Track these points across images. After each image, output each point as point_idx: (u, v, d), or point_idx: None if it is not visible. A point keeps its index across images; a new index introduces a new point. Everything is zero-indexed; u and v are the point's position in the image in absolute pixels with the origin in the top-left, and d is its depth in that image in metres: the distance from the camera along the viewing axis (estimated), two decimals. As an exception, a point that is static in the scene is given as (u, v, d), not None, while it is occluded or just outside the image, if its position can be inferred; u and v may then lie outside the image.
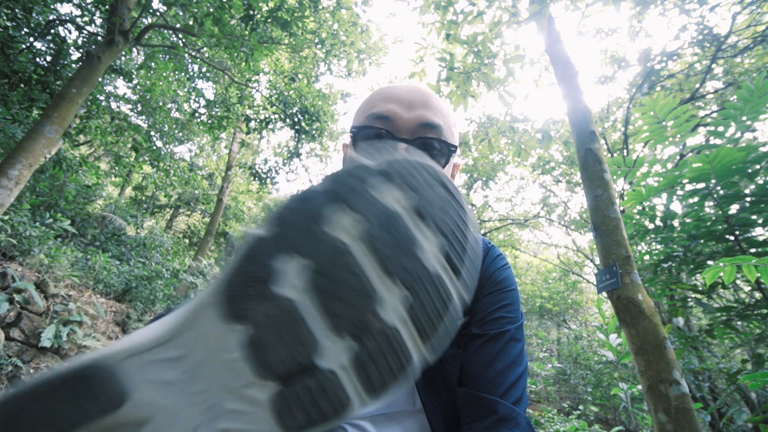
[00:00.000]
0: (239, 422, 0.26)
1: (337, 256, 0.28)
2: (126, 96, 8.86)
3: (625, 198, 2.77)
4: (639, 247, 3.12)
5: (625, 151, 6.42)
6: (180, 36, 6.70)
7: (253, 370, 0.26)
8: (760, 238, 2.30)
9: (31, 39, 5.64)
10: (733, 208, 2.31)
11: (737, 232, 2.28)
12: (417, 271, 0.29)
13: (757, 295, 2.49)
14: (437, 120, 0.67)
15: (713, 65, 5.48)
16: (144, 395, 0.26)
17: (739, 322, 2.54)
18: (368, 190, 0.30)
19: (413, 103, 0.67)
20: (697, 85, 5.74)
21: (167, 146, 9.56)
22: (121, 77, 7.47)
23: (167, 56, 7.52)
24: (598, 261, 4.90)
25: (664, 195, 2.62)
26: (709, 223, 2.42)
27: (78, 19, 6.09)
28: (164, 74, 8.04)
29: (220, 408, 0.26)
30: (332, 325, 0.27)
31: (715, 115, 5.67)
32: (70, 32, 7.27)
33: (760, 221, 2.22)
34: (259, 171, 8.85)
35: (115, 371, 0.26)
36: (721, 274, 1.82)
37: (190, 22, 5.53)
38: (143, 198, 13.43)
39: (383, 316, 0.27)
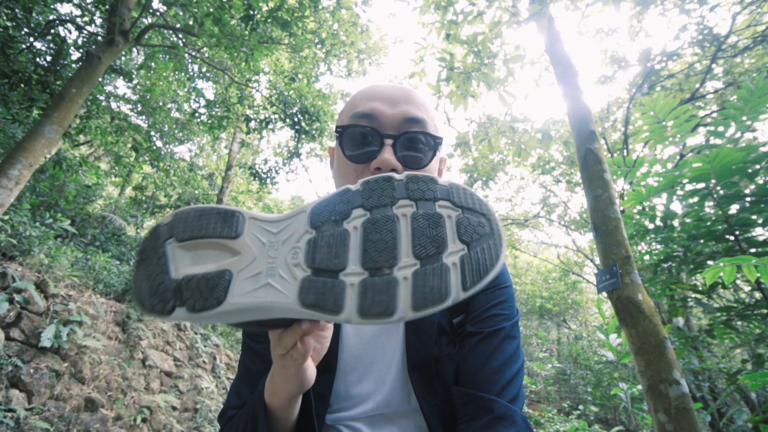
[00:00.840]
0: (279, 284, 0.40)
1: (388, 220, 0.41)
2: (126, 96, 8.85)
3: (625, 198, 2.77)
4: (639, 247, 3.11)
5: (625, 151, 6.42)
6: (180, 36, 6.70)
7: (304, 257, 0.40)
8: (760, 238, 2.30)
9: (31, 39, 5.63)
10: (733, 208, 2.31)
11: (737, 232, 2.28)
12: (432, 259, 0.39)
13: (757, 295, 2.49)
14: (421, 114, 0.67)
15: (713, 65, 5.48)
16: (247, 239, 0.43)
17: (739, 322, 2.54)
18: (431, 195, 0.43)
19: (396, 100, 0.68)
20: (697, 85, 5.74)
21: (167, 146, 9.55)
22: (121, 77, 7.46)
23: (167, 56, 7.52)
24: (598, 261, 4.90)
25: (664, 195, 2.62)
26: (709, 223, 2.42)
27: (78, 19, 6.09)
28: (164, 74, 8.04)
29: (275, 271, 0.41)
30: (362, 258, 0.40)
31: (715, 115, 5.67)
32: (70, 32, 7.27)
33: (760, 221, 2.22)
34: (259, 171, 8.84)
35: (244, 219, 0.44)
36: (721, 274, 1.82)
37: (190, 22, 5.53)
38: (143, 198, 13.43)
39: (394, 270, 0.39)
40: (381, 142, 0.65)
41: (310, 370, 0.55)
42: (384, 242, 0.40)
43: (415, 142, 0.66)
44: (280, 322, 0.46)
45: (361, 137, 0.66)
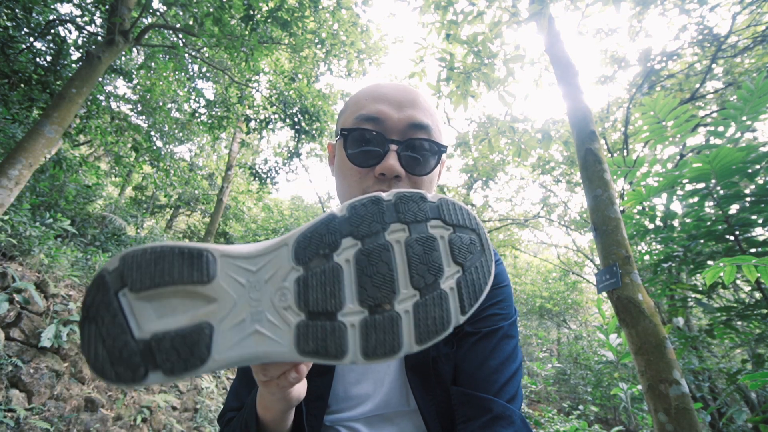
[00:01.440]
0: (270, 331, 0.36)
1: (382, 250, 0.39)
2: (126, 96, 8.85)
3: (625, 198, 2.77)
4: (639, 247, 3.11)
5: (625, 151, 6.42)
6: (180, 36, 6.70)
7: (294, 299, 0.37)
8: (760, 238, 2.30)
9: (31, 39, 5.63)
10: (733, 208, 2.31)
11: (737, 232, 2.28)
12: (430, 287, 0.38)
13: (757, 295, 2.49)
14: (426, 120, 0.67)
15: (713, 65, 5.48)
16: (222, 282, 0.36)
17: (739, 322, 2.54)
18: (422, 215, 0.41)
19: (402, 103, 0.67)
20: (697, 85, 5.74)
21: (167, 146, 9.55)
22: (121, 77, 7.46)
23: (167, 56, 7.51)
24: (598, 261, 4.90)
25: (664, 195, 2.62)
26: (709, 223, 2.42)
27: (78, 19, 6.08)
28: (164, 74, 8.03)
29: (262, 315, 0.36)
30: (359, 295, 0.37)
31: (715, 115, 5.67)
32: (70, 32, 7.27)
33: (760, 221, 2.21)
34: (259, 171, 8.84)
35: (215, 259, 0.37)
36: (721, 274, 1.82)
37: (190, 22, 5.53)
38: (143, 198, 13.42)
39: (394, 304, 0.37)
40: (386, 148, 0.64)
41: (299, 388, 0.54)
42: (381, 276, 0.38)
43: (419, 148, 0.66)
44: None
45: (366, 141, 0.65)
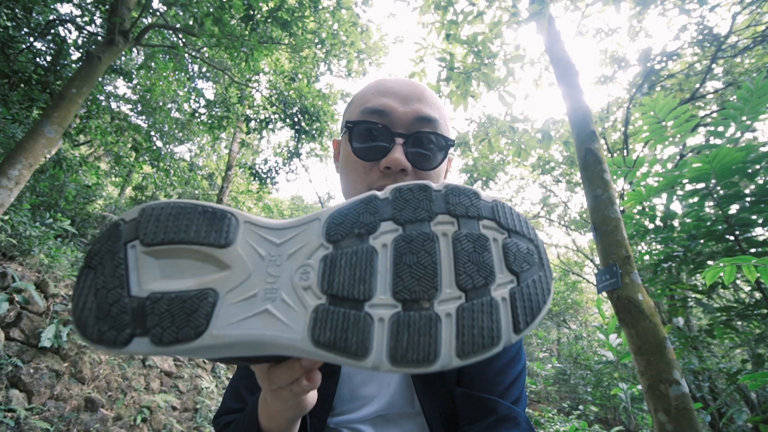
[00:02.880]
0: (282, 313, 0.31)
1: (426, 239, 0.34)
2: (126, 96, 8.86)
3: (625, 198, 2.77)
4: (639, 247, 3.11)
5: (625, 151, 6.42)
6: (180, 36, 6.70)
7: (317, 279, 0.32)
8: (760, 238, 2.30)
9: (31, 39, 5.63)
10: (733, 208, 2.31)
11: (737, 232, 2.28)
12: (479, 292, 0.32)
13: (757, 295, 2.49)
14: (433, 114, 0.66)
15: (713, 65, 5.48)
16: (240, 250, 0.33)
17: (739, 322, 2.54)
18: (474, 211, 0.36)
19: (408, 97, 0.66)
20: (697, 85, 5.74)
21: (167, 146, 9.55)
22: (121, 77, 7.46)
23: (167, 56, 7.51)
24: (598, 261, 4.90)
25: (664, 195, 2.62)
26: (709, 223, 2.42)
27: (78, 19, 6.08)
28: (164, 74, 8.03)
29: (277, 294, 0.32)
30: (393, 285, 0.32)
31: (715, 115, 5.67)
32: (70, 32, 7.27)
33: (760, 221, 2.21)
34: (259, 171, 8.83)
35: (237, 223, 0.34)
36: (721, 274, 1.82)
37: (190, 22, 5.53)
38: (143, 198, 13.42)
39: (434, 303, 0.31)
40: (392, 141, 0.63)
41: (312, 394, 0.50)
42: (422, 267, 0.33)
43: (426, 141, 0.65)
44: (271, 358, 0.37)
45: (372, 134, 0.64)
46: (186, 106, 9.42)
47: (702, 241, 2.48)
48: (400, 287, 0.32)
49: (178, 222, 0.33)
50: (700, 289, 2.72)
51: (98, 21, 6.10)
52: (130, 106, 8.89)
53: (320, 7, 6.16)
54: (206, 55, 7.83)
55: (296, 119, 7.78)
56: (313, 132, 7.84)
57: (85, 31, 5.98)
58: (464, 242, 0.34)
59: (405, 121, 0.64)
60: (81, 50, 6.16)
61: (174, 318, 0.30)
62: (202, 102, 8.08)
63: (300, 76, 8.12)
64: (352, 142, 0.65)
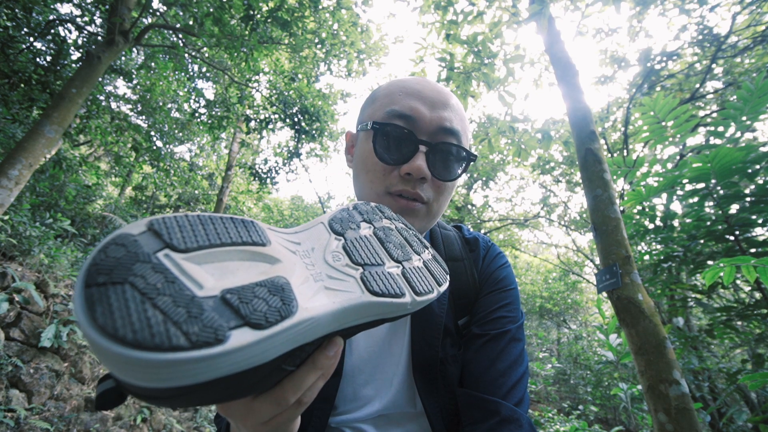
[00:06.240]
0: (337, 285, 0.40)
1: (389, 229, 0.52)
2: (126, 96, 8.85)
3: (625, 198, 2.77)
4: (639, 247, 3.11)
5: (625, 151, 6.42)
6: (180, 36, 6.70)
7: (349, 258, 0.43)
8: (760, 238, 2.30)
9: (31, 39, 5.63)
10: (733, 208, 2.31)
11: (737, 232, 2.28)
12: (407, 262, 0.49)
13: (757, 295, 2.49)
14: (457, 126, 0.67)
15: (713, 65, 5.48)
16: (277, 246, 0.38)
17: (739, 322, 2.55)
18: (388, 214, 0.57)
19: (435, 103, 0.66)
20: (697, 85, 5.74)
21: (167, 146, 9.53)
22: (121, 77, 7.46)
23: (167, 56, 7.51)
24: (598, 261, 4.90)
25: (664, 195, 2.62)
26: (709, 223, 2.42)
27: (78, 19, 6.09)
28: (164, 74, 8.03)
29: (322, 275, 0.40)
30: (387, 253, 0.47)
31: (715, 115, 5.67)
32: (70, 32, 7.27)
33: (760, 221, 2.22)
34: (259, 171, 8.83)
35: (263, 228, 0.39)
36: (721, 274, 1.82)
37: (190, 22, 5.53)
38: (143, 198, 13.42)
39: (413, 261, 0.50)
40: (415, 147, 0.64)
41: (296, 423, 0.47)
42: (396, 243, 0.50)
43: (448, 153, 0.66)
44: (265, 372, 0.34)
45: (396, 139, 0.65)
46: (186, 106, 9.42)
47: (702, 241, 2.48)
48: (393, 255, 0.47)
49: (209, 228, 0.34)
50: (700, 289, 2.72)
51: (98, 21, 6.10)
52: (130, 106, 8.89)
53: (320, 7, 6.16)
54: (206, 55, 7.83)
55: (296, 119, 7.78)
56: (313, 132, 7.84)
57: (85, 31, 5.98)
58: (402, 231, 0.54)
59: (430, 129, 0.65)
60: (81, 50, 6.16)
61: (267, 301, 0.31)
62: (202, 102, 8.08)
63: (300, 76, 8.13)
64: (376, 143, 0.66)
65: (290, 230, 0.44)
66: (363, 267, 0.43)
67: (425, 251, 0.53)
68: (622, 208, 3.34)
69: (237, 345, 0.27)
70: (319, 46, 7.18)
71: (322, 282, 0.39)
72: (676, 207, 2.71)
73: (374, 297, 0.40)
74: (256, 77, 8.20)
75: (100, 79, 6.03)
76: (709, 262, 2.44)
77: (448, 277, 0.53)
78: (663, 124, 2.59)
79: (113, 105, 8.24)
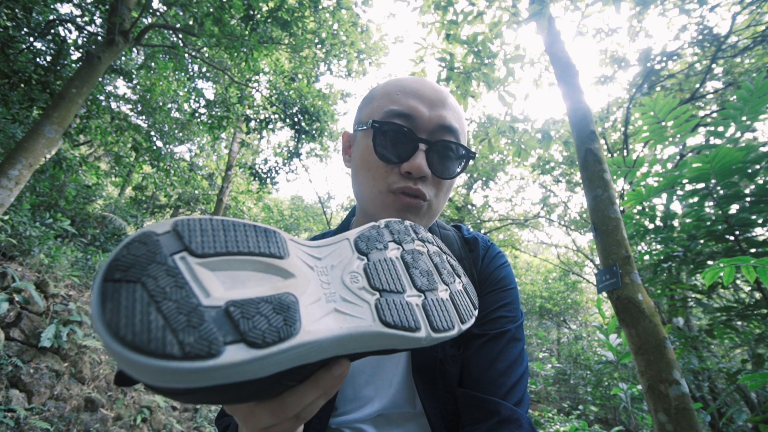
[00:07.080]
0: (348, 309, 0.38)
1: (418, 253, 0.49)
2: (126, 96, 8.85)
3: (625, 198, 2.77)
4: (639, 247, 3.11)
5: (625, 151, 6.42)
6: (180, 36, 6.70)
7: (367, 281, 0.41)
8: (760, 238, 2.30)
9: (31, 39, 5.63)
10: (733, 208, 2.31)
11: (737, 232, 2.28)
12: (431, 292, 0.46)
13: (757, 295, 2.49)
14: (455, 124, 0.67)
15: (713, 65, 5.48)
16: (295, 260, 0.37)
17: (739, 322, 2.54)
18: (419, 235, 0.54)
19: (434, 102, 0.67)
20: (697, 85, 5.74)
21: (167, 146, 9.53)
22: (121, 77, 7.46)
23: (167, 56, 7.51)
24: (598, 261, 4.90)
25: (664, 195, 2.62)
26: (709, 223, 2.42)
27: (78, 19, 6.09)
28: (164, 74, 8.03)
29: (336, 296, 0.38)
30: (410, 280, 0.44)
31: (715, 115, 5.67)
32: (70, 32, 7.26)
33: (760, 221, 2.22)
34: (259, 171, 8.83)
35: (285, 240, 0.38)
36: (721, 274, 1.82)
37: (190, 22, 5.53)
38: (143, 198, 13.42)
39: (438, 292, 0.46)
40: (415, 146, 0.64)
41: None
42: (425, 270, 0.47)
43: (448, 151, 0.67)
44: (295, 372, 0.35)
45: (396, 137, 0.65)
46: (186, 106, 9.42)
47: (702, 241, 2.48)
48: (417, 283, 0.44)
49: (230, 234, 0.34)
50: (700, 289, 2.72)
51: (98, 21, 6.10)
52: (130, 106, 8.89)
53: (320, 7, 6.16)
54: (206, 55, 7.83)
55: (296, 119, 7.78)
56: (313, 132, 7.84)
57: (85, 31, 5.98)
58: (434, 256, 0.51)
59: (429, 126, 0.66)
60: (81, 50, 6.16)
61: (269, 319, 0.30)
62: (202, 102, 8.08)
63: (300, 76, 8.13)
64: (376, 142, 0.66)
65: (314, 243, 0.43)
66: (380, 293, 0.40)
67: (456, 281, 0.50)
68: (622, 208, 3.34)
69: (229, 361, 0.27)
70: (319, 46, 7.18)
71: (334, 303, 0.37)
72: (676, 207, 2.70)
73: (385, 327, 0.37)
74: (256, 77, 8.20)
75: (100, 79, 6.03)
76: (709, 262, 2.44)
77: (476, 312, 0.49)
78: (663, 124, 2.59)
79: (113, 105, 8.24)
